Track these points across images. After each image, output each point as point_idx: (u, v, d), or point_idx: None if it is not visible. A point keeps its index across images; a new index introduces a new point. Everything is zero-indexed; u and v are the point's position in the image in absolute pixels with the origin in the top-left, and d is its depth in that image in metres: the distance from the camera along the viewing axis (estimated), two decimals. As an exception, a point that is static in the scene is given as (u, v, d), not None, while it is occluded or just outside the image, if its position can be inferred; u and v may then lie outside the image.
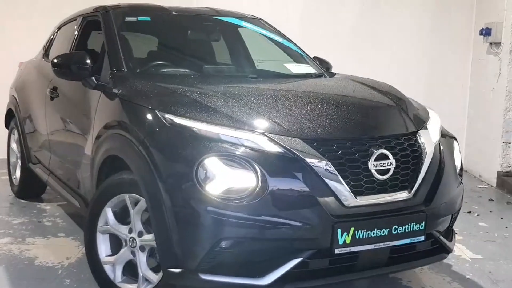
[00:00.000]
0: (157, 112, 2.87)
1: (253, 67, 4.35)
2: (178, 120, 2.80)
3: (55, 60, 3.62)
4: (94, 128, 3.40)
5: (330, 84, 3.70)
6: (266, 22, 4.59)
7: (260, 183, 2.60)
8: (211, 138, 2.70)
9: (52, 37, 5.13)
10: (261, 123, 2.78)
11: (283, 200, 2.64)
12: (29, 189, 5.23)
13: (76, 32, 4.38)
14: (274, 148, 2.68)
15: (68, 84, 3.88)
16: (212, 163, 2.62)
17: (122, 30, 3.83)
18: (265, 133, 2.72)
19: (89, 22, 4.31)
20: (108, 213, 3.10)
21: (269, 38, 4.43)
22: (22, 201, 5.24)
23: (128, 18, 3.98)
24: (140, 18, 4.02)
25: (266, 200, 2.60)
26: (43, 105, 4.42)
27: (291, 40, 4.45)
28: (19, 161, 5.27)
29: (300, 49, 4.40)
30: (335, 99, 3.19)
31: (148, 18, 4.06)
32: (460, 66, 7.24)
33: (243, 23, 4.43)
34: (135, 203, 2.98)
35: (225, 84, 3.42)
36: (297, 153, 2.67)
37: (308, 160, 2.66)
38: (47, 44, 5.13)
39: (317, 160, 2.67)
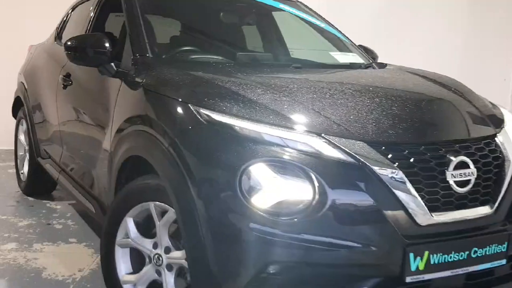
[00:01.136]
0: (190, 106, 2.39)
1: (293, 56, 3.84)
2: (216, 116, 2.31)
3: (69, 43, 3.15)
4: (114, 122, 2.93)
5: (387, 76, 3.18)
6: (305, 5, 4.09)
7: (317, 196, 2.12)
8: (258, 140, 2.21)
9: (65, 18, 4.66)
10: (317, 123, 2.29)
11: (344, 217, 2.15)
12: (38, 185, 4.78)
13: (92, 13, 3.90)
14: (334, 153, 2.19)
15: (84, 70, 3.41)
16: (259, 171, 2.14)
17: (146, 10, 3.34)
18: (322, 135, 2.23)
19: (108, 1, 3.83)
20: (129, 223, 2.63)
21: (309, 23, 3.93)
22: (30, 199, 4.79)
23: (152, -5, 3.50)
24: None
25: (324, 216, 2.12)
26: (54, 94, 3.96)
27: (334, 26, 3.95)
28: (27, 154, 4.82)
29: (345, 36, 3.90)
30: (399, 94, 2.69)
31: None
32: (502, 58, 6.71)
33: (280, 6, 3.93)
34: (162, 213, 2.51)
35: (268, 75, 2.93)
36: (362, 160, 2.18)
37: (375, 168, 2.17)
38: (60, 26, 4.66)
39: (386, 169, 2.18)
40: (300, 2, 4.10)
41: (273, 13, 4.11)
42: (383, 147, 2.24)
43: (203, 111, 2.34)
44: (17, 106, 5.06)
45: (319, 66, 3.43)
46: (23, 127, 4.95)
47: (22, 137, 5.01)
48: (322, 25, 3.92)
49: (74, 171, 3.71)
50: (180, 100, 2.47)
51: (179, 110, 2.45)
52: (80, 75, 3.55)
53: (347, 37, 3.90)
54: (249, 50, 3.81)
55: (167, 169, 2.38)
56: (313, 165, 2.15)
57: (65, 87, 3.73)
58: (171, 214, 2.44)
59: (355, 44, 3.86)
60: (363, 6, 6.70)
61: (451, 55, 6.68)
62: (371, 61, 3.67)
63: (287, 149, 2.18)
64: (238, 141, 2.22)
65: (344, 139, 2.22)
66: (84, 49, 3.09)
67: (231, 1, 3.84)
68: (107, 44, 3.07)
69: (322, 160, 2.17)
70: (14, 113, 5.18)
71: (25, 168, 4.88)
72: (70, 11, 4.63)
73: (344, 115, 2.35)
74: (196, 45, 3.44)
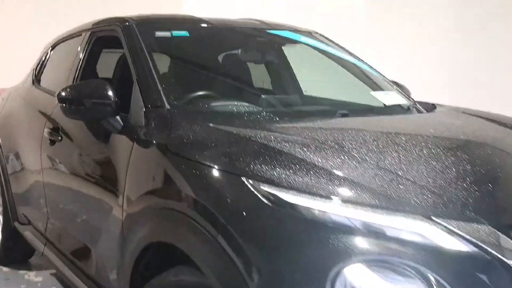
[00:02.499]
0: (244, 181, 1.79)
1: (326, 98, 3.25)
2: (285, 195, 1.71)
3: (63, 93, 2.53)
4: (126, 192, 2.30)
5: (462, 125, 2.60)
6: (323, 36, 3.54)
7: None
8: (350, 229, 1.62)
9: (44, 58, 4.00)
10: (421, 200, 1.71)
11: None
12: (14, 253, 4.06)
13: (81, 53, 3.27)
14: (456, 245, 1.61)
15: (78, 124, 2.77)
16: (357, 275, 1.55)
17: (153, 49, 2.75)
18: (434, 218, 1.65)
19: (100, 39, 3.22)
20: (158, 333, 2.00)
21: (330, 55, 3.38)
22: (4, 269, 4.04)
23: (159, 34, 2.89)
24: (175, 34, 2.93)
25: None
26: (37, 150, 3.28)
27: (360, 59, 3.40)
28: (0, 217, 4.11)
29: (375, 69, 3.36)
30: (500, 154, 2.14)
31: (186, 33, 2.97)
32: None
33: (301, 38, 3.36)
34: (204, 320, 1.89)
35: (320, 128, 2.35)
36: (492, 251, 1.61)
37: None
38: (38, 67, 4.01)
39: None
40: (317, 32, 3.54)
41: (291, 47, 3.54)
42: None
43: (265, 187, 1.74)
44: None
45: (366, 110, 2.85)
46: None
47: (-8, 196, 4.30)
48: (347, 57, 3.36)
49: (66, 246, 3.03)
50: (226, 170, 1.86)
51: (228, 185, 1.84)
52: (74, 130, 2.90)
53: (378, 71, 3.36)
54: (273, 92, 3.23)
55: (216, 264, 1.77)
56: (431, 263, 1.57)
57: (52, 142, 3.07)
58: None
59: (388, 80, 3.31)
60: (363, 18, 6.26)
61: (462, 66, 6.27)
62: (412, 101, 3.12)
63: (392, 241, 1.60)
64: (323, 232, 1.62)
65: (463, 223, 1.65)
66: (81, 101, 2.48)
67: (250, 36, 3.25)
68: (110, 93, 2.46)
69: (441, 254, 1.59)
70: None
71: (-2, 233, 4.16)
72: (49, 50, 3.98)
73: (451, 188, 1.78)
74: (211, 89, 2.84)
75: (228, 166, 1.87)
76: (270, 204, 1.71)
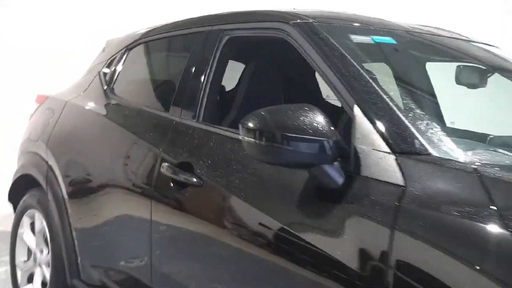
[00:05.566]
0: None
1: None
2: None
3: (251, 124, 1.59)
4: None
5: None
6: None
7: None
8: None
9: (115, 62, 3.02)
10: None
11: None
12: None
13: (206, 57, 2.34)
14: None
15: (246, 163, 1.86)
16: None
17: (362, 61, 1.87)
18: None
19: (235, 40, 2.31)
20: None
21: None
22: None
23: (357, 38, 1.99)
24: (377, 40, 2.04)
25: None
26: (143, 189, 2.32)
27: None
28: (41, 267, 3.09)
29: None
30: None
31: (392, 40, 2.08)
32: None
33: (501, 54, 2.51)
34: None
35: None
36: None
37: None
38: (109, 73, 3.02)
39: None
40: (499, 47, 2.69)
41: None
42: None
43: None
44: (23, 187, 3.33)
45: None
46: (32, 221, 3.23)
47: (28, 236, 3.26)
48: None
49: None
50: None
51: None
52: (236, 172, 1.94)
53: None
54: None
55: None
56: None
57: (180, 185, 2.10)
58: None
59: None
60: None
61: None
62: None
63: None
64: None
65: None
66: (274, 136, 1.55)
67: (456, 48, 2.36)
68: (326, 126, 1.55)
69: None
70: (14, 196, 3.43)
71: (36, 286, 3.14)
72: (123, 50, 3.01)
73: None
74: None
75: None
76: None
